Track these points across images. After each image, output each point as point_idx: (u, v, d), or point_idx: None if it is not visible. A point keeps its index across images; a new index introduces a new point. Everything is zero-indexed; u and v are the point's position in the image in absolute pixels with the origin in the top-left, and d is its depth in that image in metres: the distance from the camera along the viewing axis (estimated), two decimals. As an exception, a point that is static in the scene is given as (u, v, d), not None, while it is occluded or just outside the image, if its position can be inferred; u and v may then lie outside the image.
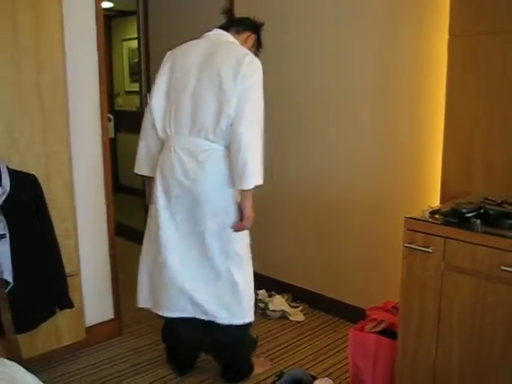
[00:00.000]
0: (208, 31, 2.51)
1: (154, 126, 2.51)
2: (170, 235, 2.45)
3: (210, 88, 2.32)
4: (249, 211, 2.42)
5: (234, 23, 2.57)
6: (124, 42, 6.49)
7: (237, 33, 2.54)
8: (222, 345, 2.58)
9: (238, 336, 2.54)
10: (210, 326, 2.49)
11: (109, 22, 6.52)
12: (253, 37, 2.58)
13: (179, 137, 2.41)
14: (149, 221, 2.56)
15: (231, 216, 2.42)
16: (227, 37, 2.48)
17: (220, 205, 2.39)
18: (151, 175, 2.58)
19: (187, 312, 2.48)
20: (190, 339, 2.59)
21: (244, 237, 2.53)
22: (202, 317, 2.48)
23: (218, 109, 2.31)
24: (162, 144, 2.53)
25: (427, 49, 2.68)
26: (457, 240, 1.96)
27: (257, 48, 2.64)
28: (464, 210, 1.97)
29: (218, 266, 2.43)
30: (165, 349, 2.79)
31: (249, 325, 2.56)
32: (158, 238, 2.47)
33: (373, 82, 2.97)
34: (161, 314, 2.53)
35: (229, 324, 2.47)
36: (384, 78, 2.91)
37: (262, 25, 2.63)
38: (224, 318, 2.46)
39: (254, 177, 2.30)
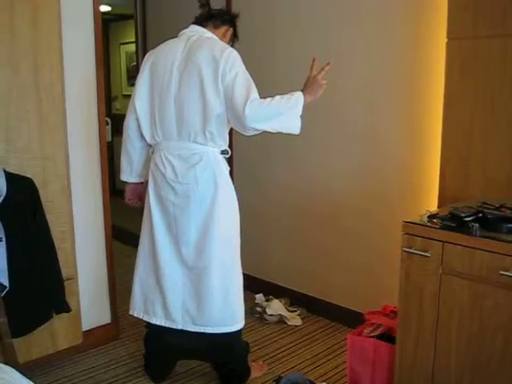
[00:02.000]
0: (184, 28, 2.49)
1: (138, 131, 2.52)
2: (166, 245, 2.44)
3: (192, 90, 2.30)
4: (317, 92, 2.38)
5: (211, 17, 2.53)
6: (121, 46, 6.48)
7: (214, 27, 2.50)
8: (214, 352, 2.56)
9: (229, 342, 2.52)
10: (200, 334, 2.47)
11: (106, 26, 6.52)
12: (231, 30, 2.56)
13: (168, 142, 2.40)
14: (142, 230, 2.55)
15: (216, 217, 2.37)
16: (204, 33, 2.44)
17: (207, 201, 2.36)
18: (135, 182, 2.66)
19: (177, 323, 2.47)
20: (179, 349, 2.57)
21: (230, 244, 2.46)
22: (191, 328, 2.46)
23: (203, 111, 2.29)
24: (145, 150, 2.57)
25: (425, 52, 2.68)
26: (455, 244, 1.96)
27: (233, 41, 2.62)
28: (462, 214, 1.97)
29: (203, 276, 2.40)
30: (144, 356, 2.74)
31: (239, 331, 2.53)
32: (153, 248, 2.47)
33: (369, 85, 2.96)
34: (153, 322, 2.52)
35: (219, 333, 2.45)
36: (381, 80, 2.91)
37: (236, 16, 2.61)
38: (213, 327, 2.44)
39: (293, 126, 2.31)
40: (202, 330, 2.45)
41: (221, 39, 2.47)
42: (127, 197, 2.71)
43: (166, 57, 2.40)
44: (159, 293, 2.48)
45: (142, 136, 2.52)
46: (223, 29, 2.53)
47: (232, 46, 2.55)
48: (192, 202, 2.37)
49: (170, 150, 2.39)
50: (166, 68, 2.38)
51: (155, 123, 2.42)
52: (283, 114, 2.27)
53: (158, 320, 2.51)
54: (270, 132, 2.30)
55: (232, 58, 2.28)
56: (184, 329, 2.47)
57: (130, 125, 2.54)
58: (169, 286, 2.45)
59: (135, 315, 2.59)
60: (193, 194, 2.36)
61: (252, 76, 2.31)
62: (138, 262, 2.57)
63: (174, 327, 2.48)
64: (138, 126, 2.50)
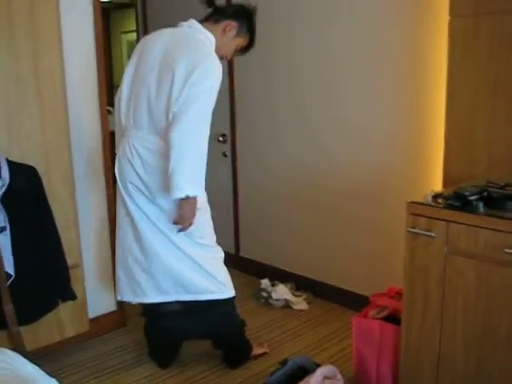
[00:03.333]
0: (184, 21, 2.41)
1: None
2: (143, 221, 2.43)
3: (165, 87, 2.25)
4: (182, 216, 2.30)
5: (215, 12, 2.44)
6: (123, 35, 6.47)
7: (215, 22, 2.41)
8: (211, 328, 2.57)
9: (224, 317, 2.56)
10: (194, 312, 2.51)
11: (108, 15, 6.50)
12: (234, 25, 2.42)
13: (137, 131, 2.38)
14: (118, 211, 2.55)
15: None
16: (199, 32, 2.35)
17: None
18: None
19: (171, 295, 2.48)
20: (178, 330, 2.58)
21: (202, 226, 2.46)
22: (184, 297, 2.48)
23: (168, 109, 2.25)
24: None
25: (428, 30, 2.65)
26: (460, 223, 1.95)
27: (250, 38, 2.50)
28: (467, 193, 1.96)
29: (182, 249, 2.43)
30: (147, 344, 2.76)
31: (231, 302, 2.57)
32: (133, 226, 2.47)
33: (371, 64, 2.94)
34: (145, 301, 2.53)
35: (211, 300, 2.47)
36: (383, 59, 2.88)
37: (250, 10, 2.48)
38: (205, 293, 2.47)
39: (180, 190, 2.19)
40: (195, 298, 2.47)
41: (220, 36, 2.40)
42: None
43: (153, 47, 2.36)
44: (148, 269, 2.47)
45: None
46: (224, 23, 2.41)
47: (250, 45, 2.51)
48: (157, 191, 2.36)
49: (138, 140, 2.36)
50: (149, 59, 2.34)
51: (130, 109, 2.40)
52: (186, 175, 2.20)
53: (151, 298, 2.51)
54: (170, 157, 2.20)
55: (209, 72, 2.21)
56: (178, 299, 2.49)
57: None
58: (154, 261, 2.45)
59: (125, 300, 2.59)
60: (158, 184, 2.35)
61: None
62: (116, 246, 2.58)
63: (168, 300, 2.49)
64: None
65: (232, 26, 2.43)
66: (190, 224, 2.32)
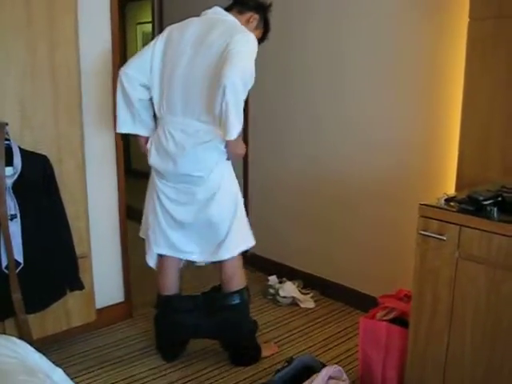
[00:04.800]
0: (207, 9, 2.46)
1: (137, 80, 2.43)
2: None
3: (202, 67, 2.28)
4: (236, 154, 2.45)
5: (236, 3, 2.51)
6: (138, 26, 6.45)
7: (238, 13, 2.48)
8: (223, 329, 2.57)
9: (237, 318, 2.56)
10: (208, 312, 2.53)
11: (123, 6, 6.47)
12: (256, 17, 2.51)
13: (172, 117, 2.40)
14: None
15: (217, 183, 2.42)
16: (225, 15, 2.42)
17: (208, 174, 2.39)
18: (136, 133, 2.56)
19: (189, 253, 2.53)
20: (188, 326, 2.59)
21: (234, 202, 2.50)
22: (212, 258, 2.51)
23: (211, 85, 2.25)
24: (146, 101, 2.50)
25: (446, 32, 2.62)
26: (472, 228, 1.92)
27: (264, 31, 2.57)
28: (481, 198, 1.93)
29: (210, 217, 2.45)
30: (155, 336, 2.74)
31: (246, 303, 2.58)
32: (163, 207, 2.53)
33: (388, 66, 2.92)
34: (164, 252, 2.56)
35: (226, 304, 2.50)
36: (400, 61, 2.86)
37: (267, 5, 2.56)
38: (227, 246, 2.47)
39: (234, 132, 2.22)
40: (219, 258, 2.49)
41: (244, 25, 2.43)
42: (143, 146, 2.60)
43: (183, 33, 2.39)
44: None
45: (141, 86, 2.46)
46: (248, 15, 2.50)
47: (264, 38, 2.56)
48: (188, 176, 2.39)
49: (173, 125, 2.39)
50: (180, 44, 2.37)
51: (162, 96, 2.41)
52: (239, 115, 2.22)
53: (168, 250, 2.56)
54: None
55: (248, 39, 2.26)
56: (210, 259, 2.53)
57: (129, 71, 2.45)
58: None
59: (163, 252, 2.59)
60: (195, 170, 2.37)
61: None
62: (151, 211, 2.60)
63: (186, 257, 2.56)
64: (139, 76, 2.44)
65: (254, 17, 2.52)
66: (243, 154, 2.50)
